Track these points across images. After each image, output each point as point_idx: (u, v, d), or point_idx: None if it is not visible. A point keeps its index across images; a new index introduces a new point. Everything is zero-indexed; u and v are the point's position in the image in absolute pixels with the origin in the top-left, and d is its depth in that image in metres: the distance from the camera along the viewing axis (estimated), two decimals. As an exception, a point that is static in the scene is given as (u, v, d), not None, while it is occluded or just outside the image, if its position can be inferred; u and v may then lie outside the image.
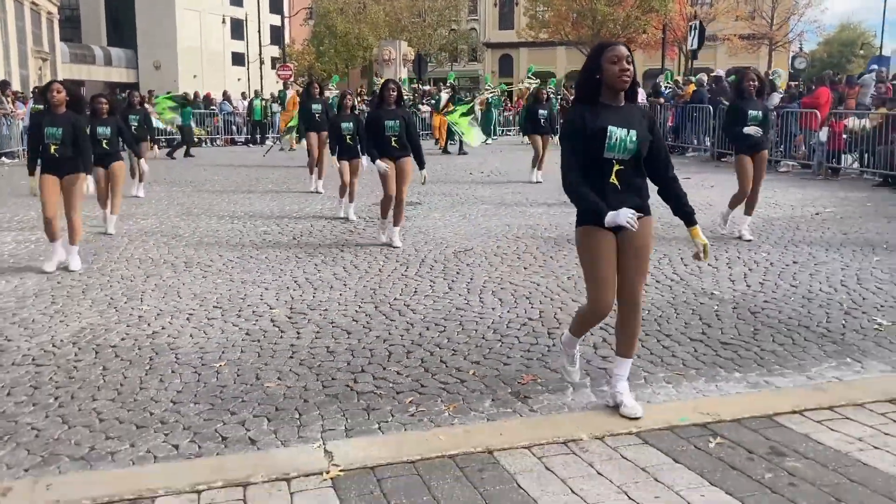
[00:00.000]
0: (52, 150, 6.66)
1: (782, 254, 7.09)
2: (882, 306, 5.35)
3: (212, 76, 56.33)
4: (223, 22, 57.60)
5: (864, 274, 6.28)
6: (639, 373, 4.12)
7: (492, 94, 22.02)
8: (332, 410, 3.71)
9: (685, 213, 3.52)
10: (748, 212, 7.84)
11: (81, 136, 6.76)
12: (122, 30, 59.25)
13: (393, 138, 7.39)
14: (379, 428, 3.50)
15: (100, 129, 8.50)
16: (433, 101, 25.01)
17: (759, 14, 49.78)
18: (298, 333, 4.92)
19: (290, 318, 5.27)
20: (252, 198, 11.54)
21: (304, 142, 13.63)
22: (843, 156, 13.07)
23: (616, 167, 3.36)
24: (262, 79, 47.35)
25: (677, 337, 4.73)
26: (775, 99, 14.40)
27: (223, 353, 4.56)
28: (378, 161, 7.40)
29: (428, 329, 4.97)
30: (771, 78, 16.56)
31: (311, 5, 51.47)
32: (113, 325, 5.14)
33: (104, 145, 8.52)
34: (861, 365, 4.23)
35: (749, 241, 7.57)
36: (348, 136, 9.11)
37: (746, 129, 7.45)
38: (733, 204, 7.93)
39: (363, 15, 51.23)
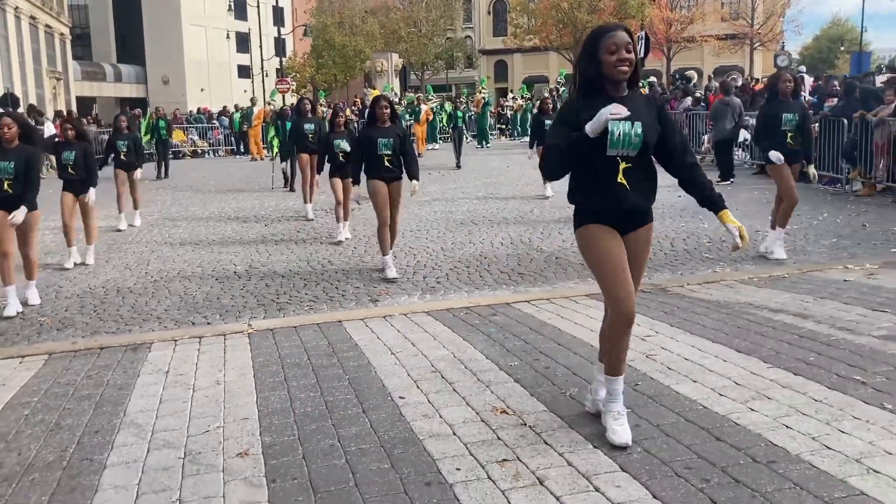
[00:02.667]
0: (6, 187, 6.27)
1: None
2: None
3: (218, 89, 58.77)
4: (227, 37, 59.98)
5: (657, 233, 8.75)
6: (452, 287, 6.65)
7: (433, 103, 24.66)
8: (259, 311, 6.25)
9: (711, 200, 3.20)
10: (783, 224, 7.29)
11: (34, 171, 6.44)
12: (130, 46, 61.32)
13: (386, 158, 7.02)
14: (282, 316, 6.04)
15: (64, 154, 8.31)
16: (416, 111, 27.17)
17: (742, 15, 51.90)
18: (250, 278, 7.47)
19: (247, 271, 7.82)
20: (239, 198, 14.13)
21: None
22: (738, 150, 15.49)
23: (623, 165, 3.06)
24: (264, 91, 50.12)
25: (493, 270, 7.26)
26: (688, 101, 16.83)
27: (199, 288, 7.12)
28: (358, 186, 7.29)
29: (336, 272, 7.52)
30: (686, 81, 18.91)
31: (307, 22, 54.03)
32: (128, 278, 7.70)
33: (70, 171, 8.31)
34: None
35: (783, 259, 7.10)
36: (341, 154, 9.06)
37: (772, 155, 6.92)
38: (783, 219, 7.21)
39: (360, 28, 53.67)
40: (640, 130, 3.05)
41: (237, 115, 27.01)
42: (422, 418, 3.61)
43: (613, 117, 2.95)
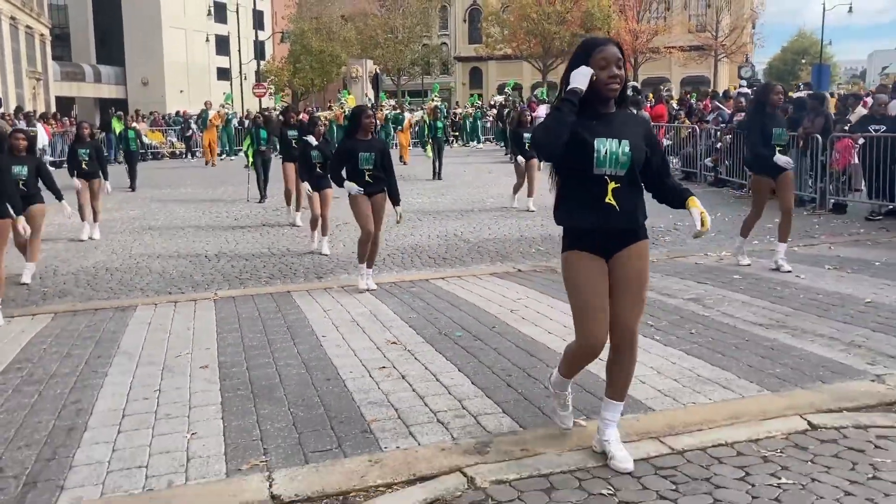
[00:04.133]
0: None
1: (538, 221, 11.06)
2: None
3: (198, 91, 59.43)
4: (207, 40, 60.77)
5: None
6: (386, 268, 8.09)
7: (417, 114, 26.13)
8: (224, 284, 7.65)
9: (680, 195, 3.17)
10: (783, 238, 7.17)
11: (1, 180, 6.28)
12: (110, 47, 61.68)
13: (367, 172, 6.74)
14: (243, 288, 7.45)
15: (15, 169, 7.68)
16: (400, 119, 26.82)
17: (707, 28, 53.86)
18: (219, 260, 8.87)
19: (216, 255, 9.21)
20: (214, 195, 15.48)
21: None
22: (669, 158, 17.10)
23: (612, 185, 2.99)
24: (242, 93, 51.33)
25: (423, 256, 8.72)
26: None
27: (175, 268, 8.51)
28: (347, 182, 6.81)
29: (292, 257, 8.93)
30: (636, 92, 20.46)
31: (284, 29, 55.18)
32: (115, 260, 9.07)
33: (21, 186, 7.64)
34: (503, 263, 8.20)
35: (788, 271, 6.93)
36: (318, 165, 8.75)
37: (777, 159, 6.81)
38: (746, 230, 7.38)
39: (337, 34, 54.93)
40: (627, 149, 2.98)
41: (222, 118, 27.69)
42: (334, 347, 5.06)
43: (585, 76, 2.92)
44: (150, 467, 3.36)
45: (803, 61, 70.01)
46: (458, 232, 10.36)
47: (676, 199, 3.18)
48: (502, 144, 27.16)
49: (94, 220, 10.65)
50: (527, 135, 12.38)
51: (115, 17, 60.42)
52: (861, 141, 10.33)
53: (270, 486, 3.09)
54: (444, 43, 65.54)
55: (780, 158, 6.84)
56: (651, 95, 25.69)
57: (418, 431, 3.60)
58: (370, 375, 4.44)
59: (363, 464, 3.25)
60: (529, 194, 12.38)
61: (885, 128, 10.16)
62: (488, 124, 32.29)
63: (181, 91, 59.43)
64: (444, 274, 7.64)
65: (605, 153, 2.96)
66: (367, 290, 6.87)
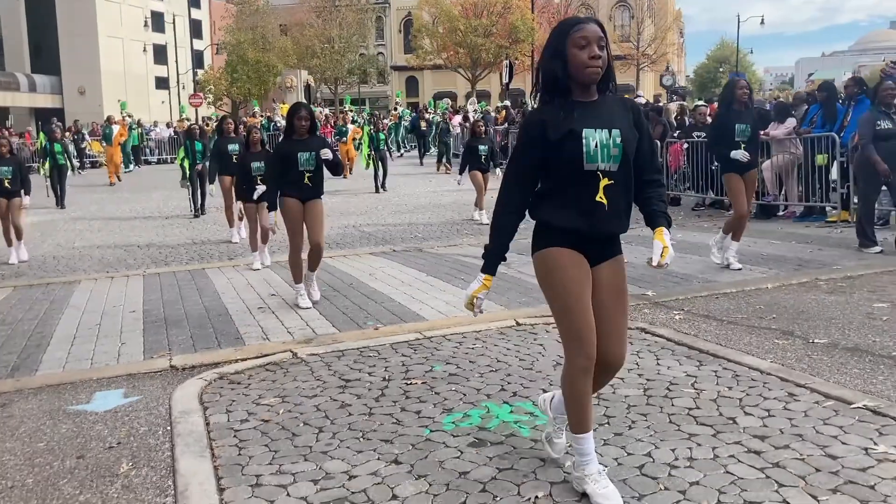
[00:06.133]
0: None
1: (427, 215, 13.06)
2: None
3: (136, 100, 59.82)
4: (144, 50, 61.14)
5: (442, 219, 12.27)
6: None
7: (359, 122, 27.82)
8: (152, 266, 9.43)
9: (654, 216, 2.83)
10: (736, 237, 7.27)
11: None
12: (45, 56, 61.37)
13: (307, 174, 6.33)
14: (167, 267, 9.25)
15: None
16: (343, 130, 26.50)
17: (631, 38, 57.01)
18: (149, 249, 10.64)
19: (147, 245, 10.97)
20: (148, 199, 17.11)
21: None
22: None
23: (604, 181, 2.67)
24: (180, 102, 52.30)
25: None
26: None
27: (112, 256, 10.25)
28: (271, 214, 6.56)
29: (211, 247, 10.75)
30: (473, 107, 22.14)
31: (219, 40, 56.22)
32: (60, 251, 10.75)
33: None
34: (384, 246, 10.16)
35: (738, 269, 7.16)
36: (259, 177, 8.61)
37: (734, 154, 6.87)
38: (729, 229, 7.25)
39: (272, 44, 56.19)
40: (618, 140, 2.67)
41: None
42: (229, 299, 6.96)
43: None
44: (94, 360, 5.22)
45: (721, 70, 73.87)
46: (357, 224, 12.32)
47: (647, 213, 2.88)
48: (415, 151, 28.23)
49: (19, 238, 10.03)
50: (482, 147, 11.99)
51: (49, 26, 60.21)
52: (685, 145, 12.62)
53: (170, 361, 4.99)
54: (381, 53, 67.26)
55: (736, 153, 6.89)
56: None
57: (273, 336, 5.54)
58: (250, 312, 6.36)
59: (231, 350, 5.19)
60: (479, 205, 11.92)
61: (704, 134, 12.44)
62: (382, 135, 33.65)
63: (119, 100, 59.64)
64: (333, 254, 9.55)
65: (596, 145, 2.66)
66: (311, 301, 6.55)
